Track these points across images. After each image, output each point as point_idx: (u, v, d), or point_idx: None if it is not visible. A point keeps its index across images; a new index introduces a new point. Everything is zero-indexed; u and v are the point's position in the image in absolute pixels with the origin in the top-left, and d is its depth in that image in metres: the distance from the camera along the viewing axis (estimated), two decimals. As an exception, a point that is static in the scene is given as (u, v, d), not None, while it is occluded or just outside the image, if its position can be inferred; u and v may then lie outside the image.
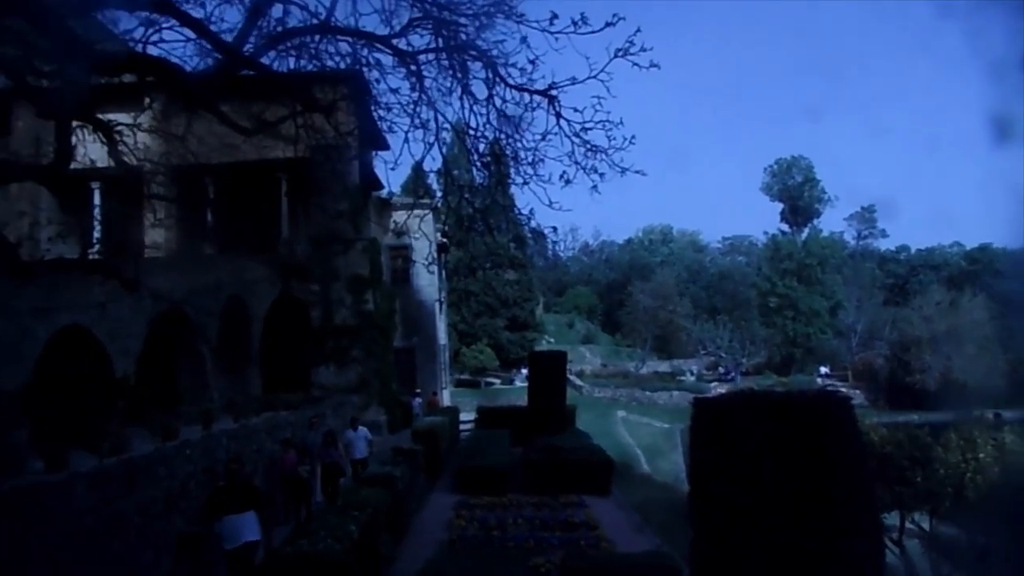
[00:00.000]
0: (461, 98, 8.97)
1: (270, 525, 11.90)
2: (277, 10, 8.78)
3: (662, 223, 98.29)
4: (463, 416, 31.08)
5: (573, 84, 8.47)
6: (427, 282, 35.22)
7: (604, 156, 8.68)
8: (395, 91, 9.21)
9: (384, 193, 32.64)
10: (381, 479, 13.72)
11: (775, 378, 59.01)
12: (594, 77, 8.18)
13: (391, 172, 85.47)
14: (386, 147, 22.22)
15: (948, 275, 73.95)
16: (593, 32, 7.96)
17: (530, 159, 8.92)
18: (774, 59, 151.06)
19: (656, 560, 8.92)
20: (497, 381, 56.48)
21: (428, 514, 15.93)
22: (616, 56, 8.01)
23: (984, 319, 49.58)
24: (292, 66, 9.28)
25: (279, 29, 8.78)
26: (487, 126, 9.05)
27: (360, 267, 26.89)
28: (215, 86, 9.22)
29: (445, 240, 37.65)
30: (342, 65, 9.45)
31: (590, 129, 8.61)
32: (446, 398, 38.35)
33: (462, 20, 8.61)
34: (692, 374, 63.04)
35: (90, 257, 15.36)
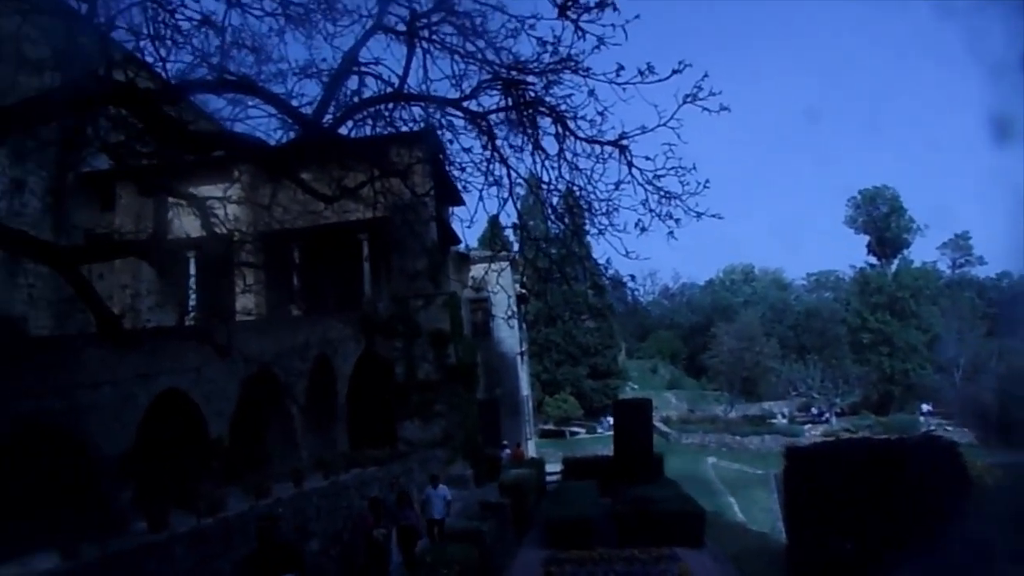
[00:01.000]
0: (532, 154, 9.10)
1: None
2: (353, 82, 9.18)
3: (743, 262, 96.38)
4: (548, 467, 30.74)
5: (643, 133, 8.48)
6: (508, 334, 35.39)
7: (679, 202, 8.59)
8: (468, 150, 9.40)
9: (462, 247, 33.20)
10: (469, 534, 13.50)
11: (873, 418, 56.33)
12: (664, 125, 8.17)
13: (468, 228, 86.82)
14: (462, 203, 22.66)
15: (1056, 301, 69.52)
16: (660, 80, 7.97)
17: (604, 209, 8.90)
18: (844, 87, 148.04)
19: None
20: (582, 430, 55.82)
21: (517, 570, 15.70)
22: (685, 102, 7.99)
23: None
24: (368, 133, 9.63)
25: (355, 99, 9.17)
26: (559, 179, 9.14)
27: (441, 322, 27.26)
28: (296, 156, 9.65)
29: (524, 292, 37.92)
30: (415, 128, 9.78)
31: (662, 176, 8.55)
32: (531, 449, 38.07)
33: (530, 79, 8.78)
34: (783, 416, 60.79)
35: (186, 324, 16.11)
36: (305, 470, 17.39)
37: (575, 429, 55.79)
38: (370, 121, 9.47)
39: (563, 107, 8.80)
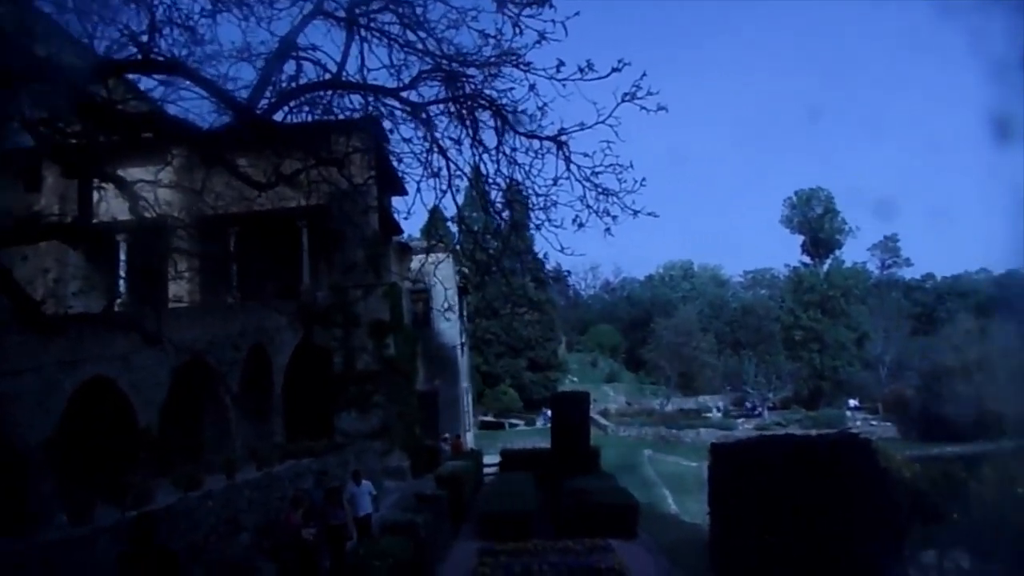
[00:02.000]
0: (472, 146, 9.08)
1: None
2: (290, 67, 8.99)
3: (683, 259, 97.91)
4: (487, 459, 30.83)
5: (582, 129, 8.52)
6: (448, 325, 35.32)
7: (616, 199, 8.69)
8: (407, 141, 9.31)
9: (403, 238, 32.94)
10: (403, 527, 13.34)
11: (803, 412, 58.16)
12: (602, 122, 8.24)
13: (409, 218, 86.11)
14: (404, 192, 22.46)
15: (976, 302, 72.66)
16: (600, 78, 8.03)
17: (542, 204, 8.95)
18: (784, 88, 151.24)
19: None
20: (521, 422, 56.14)
21: (452, 563, 15.70)
22: (623, 101, 8.06)
23: (1016, 347, 48.49)
24: (305, 119, 9.45)
25: (292, 85, 8.98)
26: (498, 173, 9.13)
27: (381, 312, 27.03)
28: (230, 142, 9.40)
29: (464, 284, 37.87)
30: (354, 117, 9.63)
31: (600, 173, 8.64)
32: (470, 440, 38.14)
33: (470, 71, 8.75)
34: (718, 410, 62.29)
35: (114, 310, 15.59)
36: (238, 461, 17.08)
37: (514, 421, 56.08)
38: (307, 108, 9.30)
39: (503, 101, 8.80)
